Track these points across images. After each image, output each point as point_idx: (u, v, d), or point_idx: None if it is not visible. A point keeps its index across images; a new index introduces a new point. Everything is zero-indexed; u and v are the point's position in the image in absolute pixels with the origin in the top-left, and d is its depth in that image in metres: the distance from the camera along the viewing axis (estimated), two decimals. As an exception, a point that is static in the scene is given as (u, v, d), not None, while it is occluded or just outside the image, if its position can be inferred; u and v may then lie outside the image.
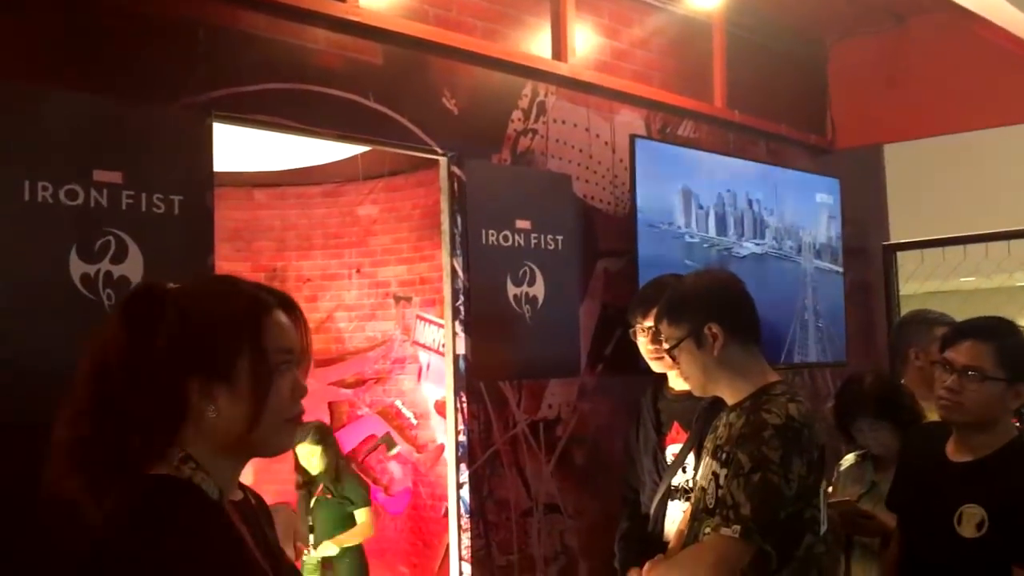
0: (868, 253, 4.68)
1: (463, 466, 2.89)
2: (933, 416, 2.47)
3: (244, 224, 6.35)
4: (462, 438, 2.89)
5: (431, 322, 6.22)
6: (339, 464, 4.73)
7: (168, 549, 1.09)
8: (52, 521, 2.04)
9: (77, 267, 2.16)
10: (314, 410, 6.40)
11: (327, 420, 6.48)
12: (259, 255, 6.49)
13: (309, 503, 4.64)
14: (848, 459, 2.92)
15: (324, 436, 4.77)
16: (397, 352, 6.35)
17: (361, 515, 4.60)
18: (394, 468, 6.34)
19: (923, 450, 2.31)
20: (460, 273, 2.94)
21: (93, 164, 2.21)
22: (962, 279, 4.27)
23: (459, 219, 2.97)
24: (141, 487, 1.15)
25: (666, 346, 2.21)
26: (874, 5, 4.19)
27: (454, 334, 2.93)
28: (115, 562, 1.09)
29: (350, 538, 4.55)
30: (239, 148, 4.67)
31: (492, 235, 3.03)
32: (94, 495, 1.17)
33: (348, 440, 5.96)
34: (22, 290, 2.08)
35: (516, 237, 3.08)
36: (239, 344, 1.21)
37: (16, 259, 2.08)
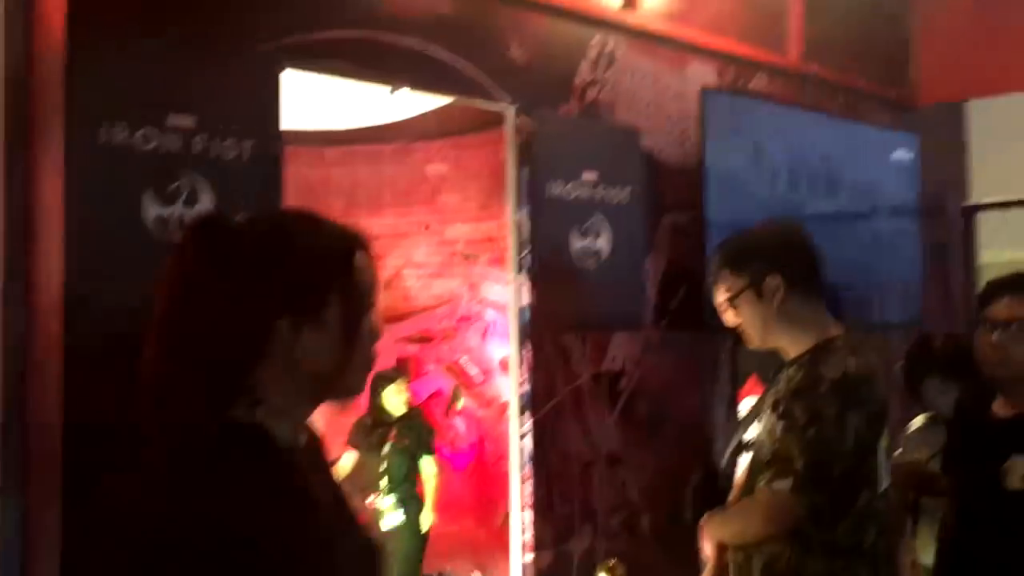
0: (947, 214, 4.53)
1: (526, 416, 2.90)
2: None
3: (315, 183, 6.43)
4: (525, 388, 2.91)
5: (498, 280, 6.24)
6: (413, 409, 4.79)
7: (229, 495, 1.07)
8: (129, 463, 2.12)
9: (151, 210, 2.22)
10: (382, 366, 6.50)
11: (395, 376, 6.58)
12: (328, 213, 6.56)
13: (380, 450, 4.68)
14: (918, 421, 2.86)
15: (406, 377, 4.84)
16: (463, 310, 6.40)
17: (428, 463, 4.65)
18: (459, 424, 6.41)
19: (972, 409, 2.29)
20: (525, 224, 2.93)
21: (167, 108, 2.25)
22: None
23: (525, 170, 2.97)
24: (211, 431, 1.12)
25: (726, 296, 2.19)
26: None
27: (518, 285, 2.94)
28: (174, 506, 1.06)
29: (430, 499, 4.58)
30: (311, 106, 4.72)
31: (558, 187, 3.01)
32: (169, 437, 1.14)
33: (415, 396, 6.03)
34: (98, 233, 2.14)
35: (582, 189, 3.06)
36: (331, 282, 1.16)
37: (92, 202, 2.14)
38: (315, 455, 1.29)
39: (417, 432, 4.60)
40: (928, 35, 4.50)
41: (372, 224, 6.63)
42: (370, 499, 4.76)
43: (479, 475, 6.35)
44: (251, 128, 2.37)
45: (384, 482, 4.65)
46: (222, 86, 2.34)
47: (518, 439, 2.90)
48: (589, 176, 3.08)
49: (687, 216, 3.36)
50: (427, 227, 6.59)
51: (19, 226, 2.21)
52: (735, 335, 2.81)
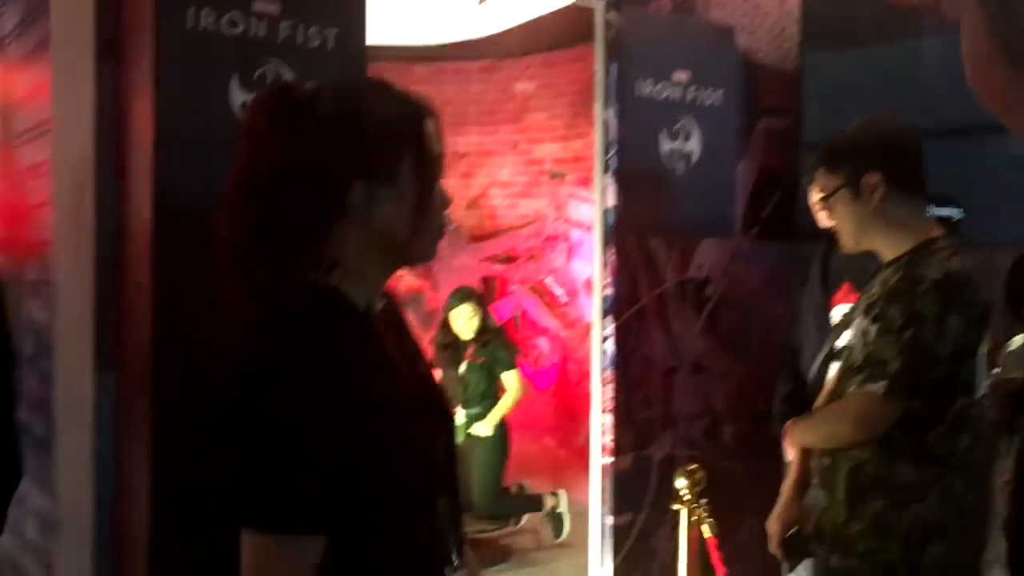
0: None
1: (608, 320, 2.87)
2: None
3: (402, 99, 6.42)
4: (608, 291, 2.86)
5: (585, 200, 6.17)
6: (490, 326, 4.79)
7: (307, 357, 1.07)
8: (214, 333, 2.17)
9: (237, 95, 2.22)
10: (468, 283, 6.54)
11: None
12: (417, 130, 6.57)
13: (457, 367, 4.74)
14: (1018, 340, 2.73)
15: (479, 299, 4.82)
16: (549, 229, 6.36)
17: (511, 377, 4.67)
18: (543, 344, 6.43)
19: None
20: (612, 125, 2.86)
21: (253, -7, 2.24)
22: None
23: (613, 69, 2.88)
24: (289, 294, 1.14)
25: (821, 195, 2.10)
26: None
27: (604, 187, 2.88)
28: (253, 368, 1.08)
29: (503, 408, 4.61)
30: (399, 20, 4.68)
31: (647, 86, 2.92)
32: (249, 303, 1.16)
33: (499, 315, 6.06)
34: (186, 117, 2.16)
35: (673, 89, 2.96)
36: (405, 146, 1.17)
37: (181, 85, 2.16)
38: (393, 319, 1.29)
39: (492, 352, 4.61)
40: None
41: (458, 142, 6.61)
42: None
43: (561, 395, 6.38)
44: (336, 16, 2.35)
45: (461, 397, 4.69)
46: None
47: (600, 341, 2.87)
48: (680, 76, 2.98)
49: (783, 121, 3.23)
50: (515, 146, 6.53)
51: (111, 113, 2.25)
52: (828, 240, 2.72)
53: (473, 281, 6.51)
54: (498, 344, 4.67)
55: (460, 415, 4.69)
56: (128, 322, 2.23)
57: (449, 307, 4.70)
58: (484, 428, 4.57)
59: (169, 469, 2.09)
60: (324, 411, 1.05)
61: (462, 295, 4.73)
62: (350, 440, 1.06)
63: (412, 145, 1.17)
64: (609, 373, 2.85)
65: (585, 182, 6.18)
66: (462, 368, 4.68)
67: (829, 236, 2.74)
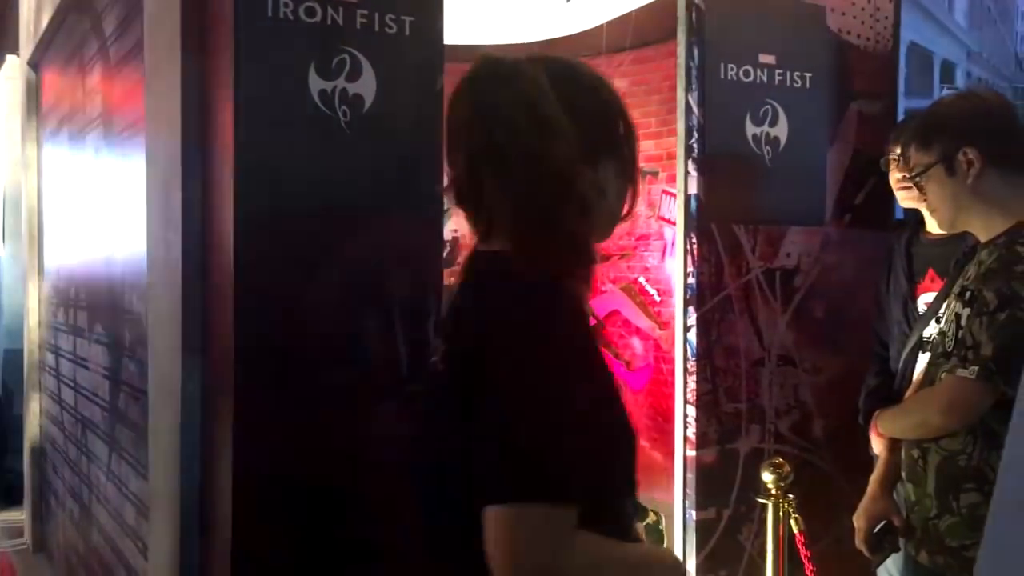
0: None
1: (691, 309, 2.80)
2: None
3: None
4: (691, 280, 2.80)
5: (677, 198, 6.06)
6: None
7: (583, 337, 1.11)
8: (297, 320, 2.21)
9: (315, 83, 2.26)
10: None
11: (571, 294, 6.57)
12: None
13: None
14: None
15: None
16: (642, 228, 6.28)
17: None
18: (636, 344, 6.34)
19: None
20: (695, 109, 2.80)
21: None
22: None
23: (696, 51, 2.82)
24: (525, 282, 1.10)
25: (911, 174, 2.00)
26: None
27: (686, 173, 2.81)
28: (541, 350, 1.06)
29: None
30: (485, 19, 4.69)
31: (732, 70, 2.85)
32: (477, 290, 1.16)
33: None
34: (266, 104, 2.21)
35: (758, 72, 2.88)
36: (624, 126, 1.20)
37: (260, 75, 2.21)
38: None
39: None
40: None
41: (550, 142, 6.58)
42: None
43: (655, 396, 6.27)
44: (412, 4, 2.36)
45: None
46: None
47: (683, 332, 2.80)
48: (766, 59, 2.89)
49: (877, 104, 3.10)
50: (606, 145, 6.47)
51: (194, 97, 2.32)
52: (911, 226, 2.59)
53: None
54: None
55: None
56: (214, 309, 2.29)
57: None
58: None
59: (252, 452, 2.14)
60: (594, 386, 1.11)
61: None
62: (608, 413, 1.13)
63: (627, 126, 1.21)
64: (693, 364, 2.78)
65: (678, 179, 6.08)
66: None
67: (912, 222, 2.62)
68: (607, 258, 6.37)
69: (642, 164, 6.45)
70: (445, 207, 2.38)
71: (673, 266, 5.88)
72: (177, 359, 2.36)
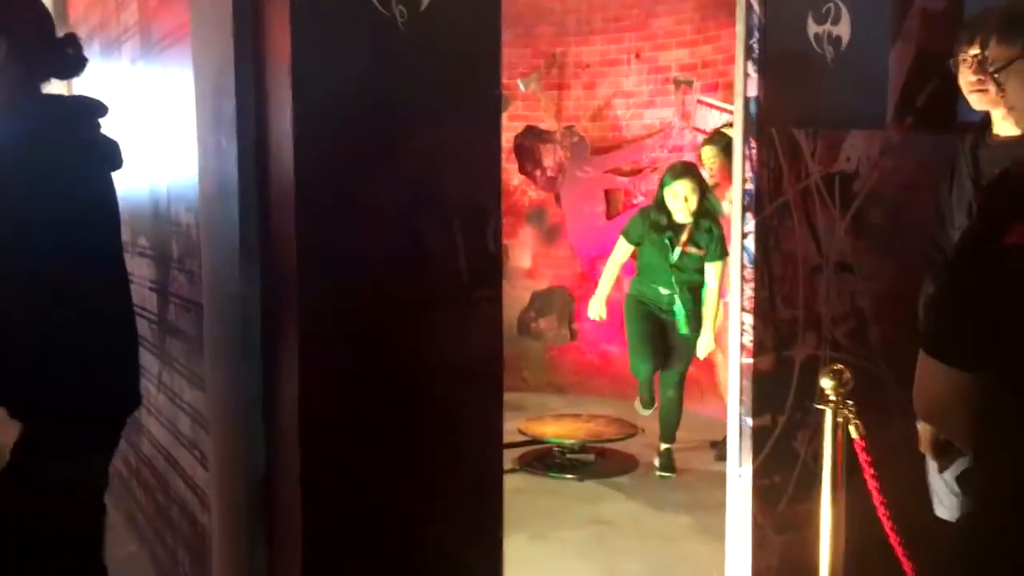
0: None
1: (749, 215, 2.75)
2: None
3: (525, 8, 6.29)
4: (749, 186, 2.74)
5: (713, 107, 5.94)
6: (709, 209, 4.45)
7: None
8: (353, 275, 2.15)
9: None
10: (590, 198, 6.44)
11: (603, 208, 6.51)
12: (539, 40, 6.45)
13: (669, 256, 4.45)
14: None
15: (699, 178, 4.46)
16: (676, 139, 6.17)
17: (712, 271, 4.38)
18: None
19: None
20: (755, 6, 2.69)
21: None
22: None
23: (756, -53, 2.70)
24: None
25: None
26: None
27: (745, 75, 2.72)
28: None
29: (713, 317, 4.45)
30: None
31: (793, -34, 2.73)
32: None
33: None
34: (321, 4, 2.13)
35: (821, -31, 2.76)
36: None
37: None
38: None
39: (710, 240, 4.39)
40: None
41: (582, 52, 6.44)
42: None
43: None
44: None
45: (675, 291, 4.47)
46: None
47: (740, 238, 2.76)
48: (829, -46, 2.77)
49: (942, 1, 2.98)
50: (638, 54, 6.33)
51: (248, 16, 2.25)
52: (977, 128, 2.51)
53: (596, 194, 6.42)
54: (717, 232, 4.35)
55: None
56: (272, 216, 2.26)
57: (664, 184, 4.41)
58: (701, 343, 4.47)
59: (315, 360, 2.13)
60: None
61: (678, 171, 4.40)
62: None
63: None
64: (750, 271, 2.74)
65: (714, 88, 5.95)
66: (674, 256, 4.41)
67: (978, 124, 2.54)
68: (638, 171, 6.29)
69: (676, 73, 6.27)
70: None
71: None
72: (235, 269, 2.33)
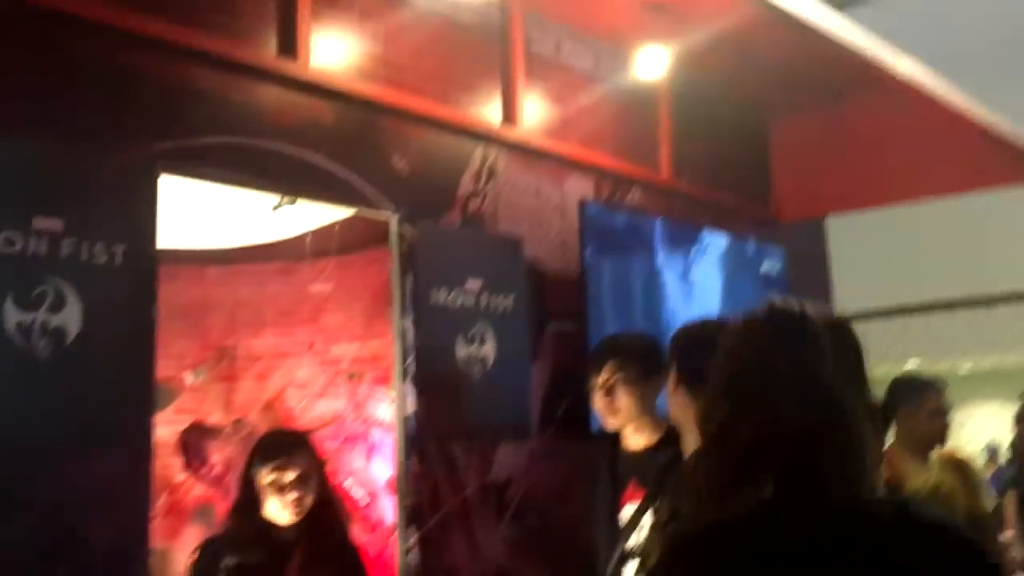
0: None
1: (411, 529, 2.81)
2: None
3: (194, 301, 6.26)
4: (410, 500, 2.82)
5: (383, 399, 6.12)
6: None
7: None
8: None
9: (12, 315, 2.10)
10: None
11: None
12: (208, 332, 6.38)
13: None
14: None
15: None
16: (348, 430, 6.23)
17: None
18: (344, 550, 6.12)
19: None
20: (410, 332, 2.91)
21: (33, 211, 2.17)
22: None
23: (409, 279, 2.96)
24: None
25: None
26: (812, 85, 4.32)
27: (403, 394, 2.89)
28: None
29: None
30: (192, 224, 4.63)
31: (442, 295, 3.02)
32: None
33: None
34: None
35: (467, 297, 3.08)
36: None
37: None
38: None
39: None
40: (784, 158, 4.81)
41: (253, 344, 6.45)
42: None
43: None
44: (123, 232, 2.30)
45: None
46: (93, 189, 2.27)
47: (404, 554, 2.79)
48: (473, 284, 3.10)
49: (571, 324, 3.40)
50: (311, 346, 6.45)
51: None
52: (611, 438, 2.80)
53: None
54: None
55: None
56: None
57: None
58: None
59: None
60: None
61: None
62: None
63: None
64: (415, 586, 2.76)
65: (383, 381, 6.16)
66: None
67: (612, 435, 2.83)
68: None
69: (346, 366, 6.36)
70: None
71: (380, 467, 5.86)
72: None
